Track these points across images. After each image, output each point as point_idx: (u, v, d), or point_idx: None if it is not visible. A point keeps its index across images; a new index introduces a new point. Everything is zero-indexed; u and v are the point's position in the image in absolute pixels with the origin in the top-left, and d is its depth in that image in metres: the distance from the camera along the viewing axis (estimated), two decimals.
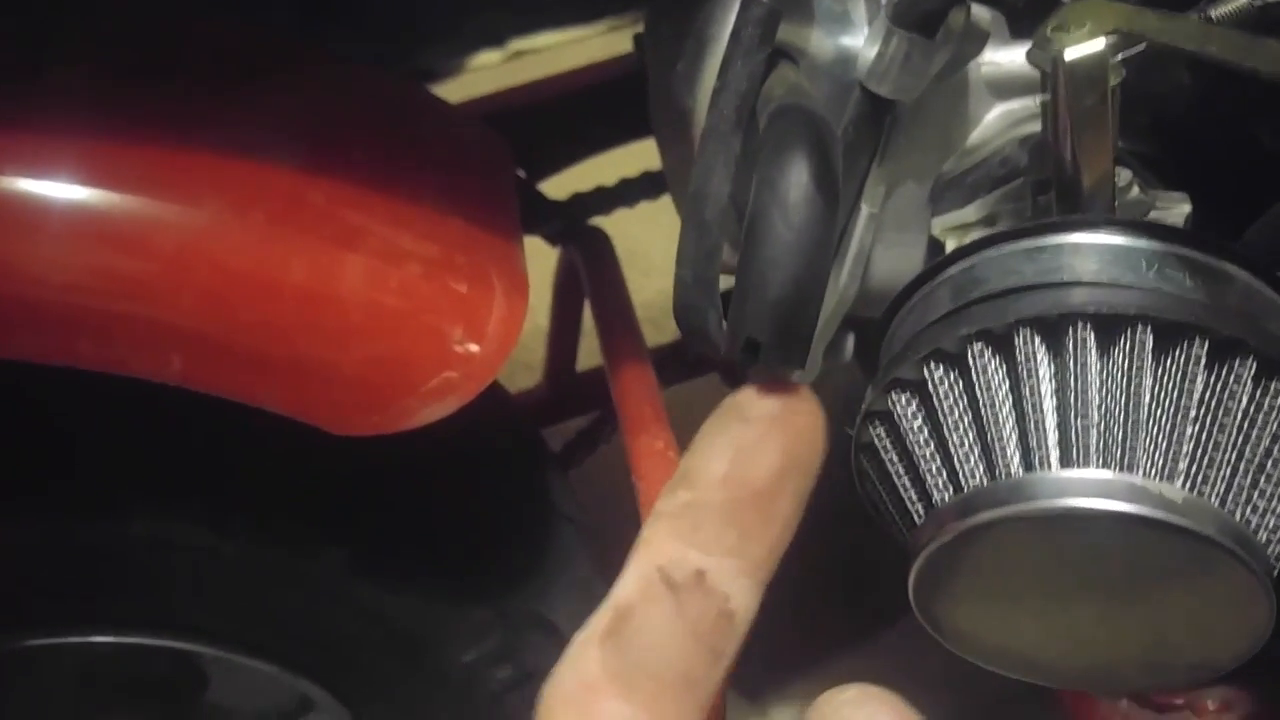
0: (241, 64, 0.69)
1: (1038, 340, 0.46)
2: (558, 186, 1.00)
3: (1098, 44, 0.46)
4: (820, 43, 0.56)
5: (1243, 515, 0.44)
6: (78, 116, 0.59)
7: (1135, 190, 0.53)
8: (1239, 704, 0.71)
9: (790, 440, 0.36)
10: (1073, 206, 0.50)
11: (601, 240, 0.95)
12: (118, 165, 0.58)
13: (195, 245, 0.58)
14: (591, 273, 0.92)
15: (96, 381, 0.60)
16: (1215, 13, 0.47)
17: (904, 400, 0.49)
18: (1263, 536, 0.45)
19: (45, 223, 0.56)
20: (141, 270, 0.57)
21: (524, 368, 1.26)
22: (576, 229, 0.97)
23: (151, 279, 0.57)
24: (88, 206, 0.56)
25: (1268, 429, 0.44)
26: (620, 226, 1.00)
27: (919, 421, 0.49)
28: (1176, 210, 0.53)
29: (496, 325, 0.64)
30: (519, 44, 1.50)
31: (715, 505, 0.35)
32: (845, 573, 1.00)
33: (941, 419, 0.47)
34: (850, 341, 0.67)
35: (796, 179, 0.40)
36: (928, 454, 0.48)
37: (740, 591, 0.35)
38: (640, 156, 0.94)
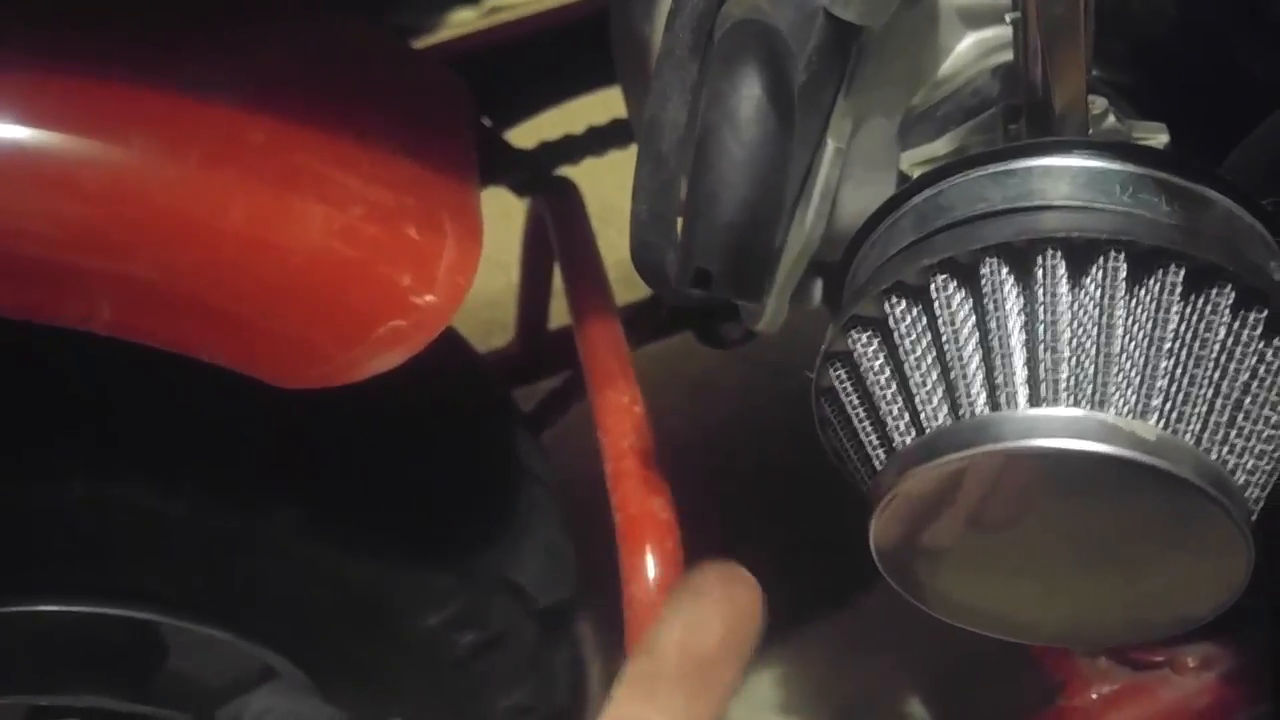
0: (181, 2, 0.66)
1: (1005, 270, 0.43)
2: (524, 136, 0.98)
3: None
4: None
5: (1219, 455, 0.42)
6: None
7: (1111, 119, 0.50)
8: (1219, 660, 0.69)
9: (732, 616, 0.40)
10: (1044, 130, 0.47)
11: (569, 190, 0.92)
12: (41, 101, 0.55)
13: (123, 184, 0.55)
14: (559, 224, 0.90)
15: (26, 333, 0.57)
16: None
17: (864, 339, 0.46)
18: (1240, 478, 0.42)
19: None
20: (65, 211, 0.54)
21: (499, 327, 1.23)
22: (543, 179, 0.94)
23: (76, 220, 0.54)
24: (7, 143, 0.54)
25: (1246, 363, 0.42)
26: (594, 183, 0.97)
27: (880, 361, 0.46)
28: (1154, 140, 0.51)
29: (448, 272, 0.61)
30: (495, 0, 1.48)
31: (668, 673, 0.40)
32: (821, 534, 0.98)
33: (903, 357, 0.45)
34: (818, 286, 0.64)
35: (748, 93, 0.37)
36: (889, 395, 0.46)
37: None
38: (610, 105, 0.91)
